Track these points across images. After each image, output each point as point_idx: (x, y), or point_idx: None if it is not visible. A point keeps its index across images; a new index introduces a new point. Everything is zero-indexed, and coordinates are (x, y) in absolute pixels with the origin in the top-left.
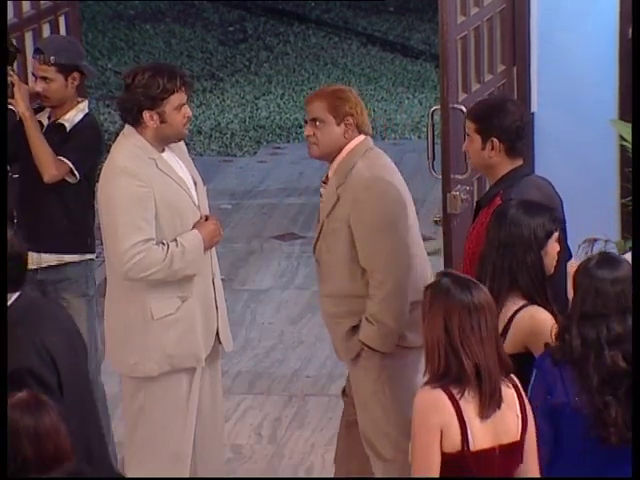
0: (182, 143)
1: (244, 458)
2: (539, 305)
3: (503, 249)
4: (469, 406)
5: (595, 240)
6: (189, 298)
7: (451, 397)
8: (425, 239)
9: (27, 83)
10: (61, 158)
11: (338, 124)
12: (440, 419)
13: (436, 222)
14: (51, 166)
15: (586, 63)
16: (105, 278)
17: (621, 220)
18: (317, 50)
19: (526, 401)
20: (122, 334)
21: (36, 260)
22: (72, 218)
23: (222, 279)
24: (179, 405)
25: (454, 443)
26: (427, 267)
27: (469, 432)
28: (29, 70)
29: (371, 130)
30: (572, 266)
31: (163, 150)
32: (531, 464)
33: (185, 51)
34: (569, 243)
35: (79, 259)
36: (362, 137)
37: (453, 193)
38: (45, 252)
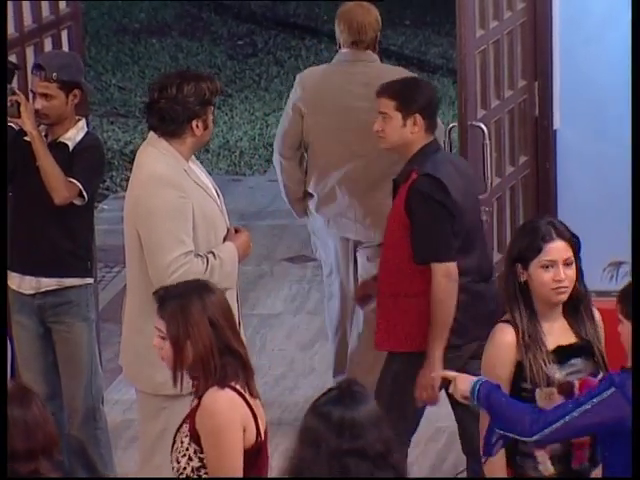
0: None
1: None
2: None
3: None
4: (248, 396)
5: (620, 264)
6: None
7: (238, 392)
8: None
9: (28, 100)
10: (71, 180)
11: None
12: (241, 415)
13: None
14: (62, 188)
15: (609, 78)
16: (108, 302)
17: None
18: None
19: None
20: (149, 352)
21: (35, 285)
22: (74, 241)
23: None
24: None
25: (251, 437)
26: None
27: (260, 422)
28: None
29: None
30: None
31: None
32: None
33: (192, 66)
34: (590, 262)
35: (79, 283)
36: None
37: None
38: (45, 277)
